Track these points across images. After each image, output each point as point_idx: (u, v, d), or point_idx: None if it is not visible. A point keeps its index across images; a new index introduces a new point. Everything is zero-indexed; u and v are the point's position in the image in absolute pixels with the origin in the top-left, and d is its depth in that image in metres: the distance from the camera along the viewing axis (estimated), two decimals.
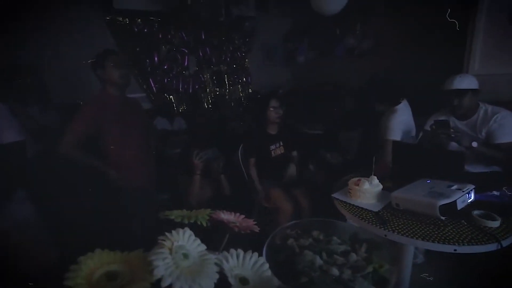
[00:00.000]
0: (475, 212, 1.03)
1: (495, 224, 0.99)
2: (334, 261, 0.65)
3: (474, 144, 1.40)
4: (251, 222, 0.62)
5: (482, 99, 1.62)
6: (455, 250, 0.91)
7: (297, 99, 3.43)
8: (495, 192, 1.22)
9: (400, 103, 1.85)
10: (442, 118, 1.73)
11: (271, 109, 1.95)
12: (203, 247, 0.47)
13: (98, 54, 1.56)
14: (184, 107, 3.24)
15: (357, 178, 1.26)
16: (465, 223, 1.02)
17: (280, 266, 0.64)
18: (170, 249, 0.40)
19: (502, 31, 1.88)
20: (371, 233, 0.84)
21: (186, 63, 3.20)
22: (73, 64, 2.33)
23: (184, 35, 3.11)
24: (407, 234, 0.97)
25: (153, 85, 3.02)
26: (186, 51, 3.17)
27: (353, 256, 0.66)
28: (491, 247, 0.91)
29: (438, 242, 0.92)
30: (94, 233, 1.32)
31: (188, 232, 0.46)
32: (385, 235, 0.99)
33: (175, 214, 0.53)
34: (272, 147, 2.03)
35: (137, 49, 2.86)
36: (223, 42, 3.40)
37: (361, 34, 3.09)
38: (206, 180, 1.83)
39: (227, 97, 3.56)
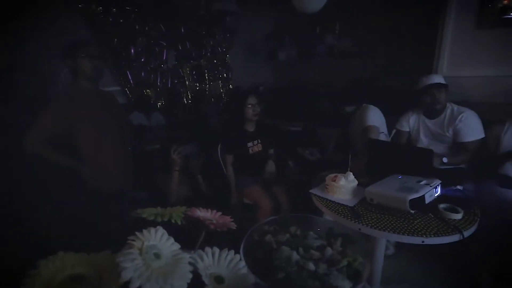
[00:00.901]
0: (441, 206, 1.10)
1: (458, 216, 1.06)
2: (311, 256, 0.65)
3: (445, 159, 1.57)
4: (228, 219, 0.61)
5: (450, 100, 1.72)
6: (422, 242, 0.96)
7: (278, 96, 3.45)
8: (459, 187, 1.32)
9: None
10: (413, 116, 1.83)
11: (249, 106, 1.93)
12: (176, 246, 0.45)
13: (69, 44, 1.46)
14: (162, 102, 3.13)
15: (333, 174, 1.29)
16: (432, 216, 1.08)
17: (258, 263, 0.63)
18: (140, 250, 0.38)
19: (469, 35, 1.99)
20: (346, 227, 0.87)
21: (164, 57, 3.10)
22: (43, 57, 2.15)
23: (162, 27, 3.00)
24: (379, 227, 1.02)
25: (130, 78, 2.90)
26: (165, 44, 3.06)
27: (329, 251, 0.67)
28: (455, 237, 0.98)
29: (408, 235, 0.97)
30: (62, 235, 1.25)
31: (160, 231, 0.44)
32: (359, 229, 1.03)
33: (147, 213, 0.50)
34: (250, 144, 2.01)
35: (112, 40, 2.72)
36: (203, 36, 3.32)
37: (340, 33, 3.16)
38: (185, 177, 1.80)
39: (207, 92, 3.49)
